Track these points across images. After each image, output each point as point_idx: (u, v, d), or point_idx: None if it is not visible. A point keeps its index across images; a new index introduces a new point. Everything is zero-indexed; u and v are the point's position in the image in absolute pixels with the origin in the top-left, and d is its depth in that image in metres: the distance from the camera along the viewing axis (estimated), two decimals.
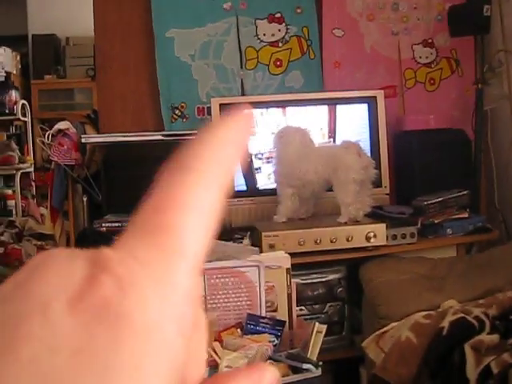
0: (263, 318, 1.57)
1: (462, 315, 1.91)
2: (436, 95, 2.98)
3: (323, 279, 2.37)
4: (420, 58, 2.98)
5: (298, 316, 2.31)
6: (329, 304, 2.39)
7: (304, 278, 2.34)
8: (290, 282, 1.56)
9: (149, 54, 2.78)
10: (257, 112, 2.59)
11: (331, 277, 2.37)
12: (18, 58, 5.53)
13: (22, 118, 5.06)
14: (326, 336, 2.36)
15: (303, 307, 2.36)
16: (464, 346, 1.75)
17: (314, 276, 2.36)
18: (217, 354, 1.38)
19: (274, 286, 1.56)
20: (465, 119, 2.85)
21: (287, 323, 1.59)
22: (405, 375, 1.82)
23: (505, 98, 2.81)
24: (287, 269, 1.56)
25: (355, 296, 2.38)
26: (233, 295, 1.56)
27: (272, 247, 2.20)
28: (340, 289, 2.38)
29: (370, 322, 2.27)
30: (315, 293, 2.37)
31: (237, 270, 1.52)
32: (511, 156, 2.80)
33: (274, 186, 2.46)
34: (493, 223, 2.67)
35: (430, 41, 2.99)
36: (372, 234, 2.23)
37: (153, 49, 2.76)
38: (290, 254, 2.20)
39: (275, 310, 1.59)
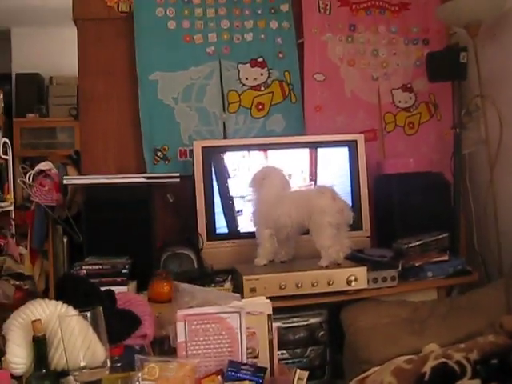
0: (244, 364, 1.55)
1: (444, 360, 1.90)
2: (415, 139, 3.04)
3: (304, 323, 2.36)
4: (399, 102, 3.05)
5: (279, 360, 2.30)
6: (310, 348, 2.38)
7: (285, 321, 2.33)
8: (272, 328, 1.55)
9: (132, 96, 2.81)
10: (238, 155, 2.62)
11: (312, 320, 2.36)
12: (1, 96, 5.52)
13: (4, 156, 5.02)
14: (308, 380, 2.37)
15: (284, 351, 2.34)
16: None
17: (296, 320, 2.35)
18: None
19: (255, 332, 1.54)
20: (443, 163, 2.90)
21: (268, 370, 1.57)
22: None
23: (482, 142, 2.86)
24: (268, 315, 1.55)
25: (337, 339, 2.36)
26: (214, 341, 1.54)
27: (253, 291, 2.19)
28: (321, 332, 2.37)
29: (351, 366, 2.25)
30: (296, 337, 2.36)
31: (218, 316, 1.51)
32: (489, 199, 2.84)
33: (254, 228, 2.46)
34: (472, 265, 2.69)
35: (408, 86, 3.06)
36: (353, 278, 2.23)
37: (136, 90, 2.79)
38: (271, 297, 2.19)
39: (256, 357, 1.56)
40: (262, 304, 1.58)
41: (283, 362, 2.22)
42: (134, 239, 2.38)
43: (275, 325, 2.10)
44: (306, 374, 1.51)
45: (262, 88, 2.93)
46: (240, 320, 1.53)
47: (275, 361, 1.59)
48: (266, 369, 1.55)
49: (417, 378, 1.85)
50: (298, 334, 2.36)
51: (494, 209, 2.82)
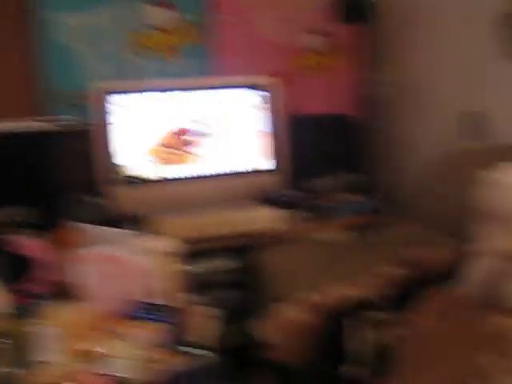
0: (155, 305, 1.52)
1: (353, 293, 1.97)
2: (326, 81, 3.04)
3: (223, 266, 2.35)
4: (312, 45, 3.03)
5: (197, 304, 2.30)
6: (228, 291, 2.38)
7: (202, 265, 2.32)
8: (181, 268, 1.53)
9: (25, 36, 2.61)
10: (145, 97, 2.52)
11: (231, 264, 2.36)
12: None
13: None
14: (227, 324, 2.38)
15: (203, 295, 2.33)
16: (351, 322, 1.80)
17: (214, 263, 2.34)
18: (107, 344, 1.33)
19: (162, 271, 1.52)
20: (354, 104, 2.93)
21: (180, 310, 1.56)
22: (297, 353, 1.86)
23: (388, 84, 2.90)
24: (176, 253, 1.52)
25: (255, 282, 2.38)
26: (119, 283, 1.50)
27: (169, 234, 2.15)
28: (239, 275, 2.37)
29: (267, 306, 2.27)
30: (214, 280, 2.35)
31: (123, 257, 1.47)
32: (395, 140, 2.91)
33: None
34: (382, 205, 2.75)
35: (320, 28, 3.04)
36: (267, 219, 2.24)
37: (30, 31, 2.60)
38: (187, 240, 2.18)
39: (167, 298, 1.55)
40: (169, 243, 1.54)
41: (202, 306, 2.21)
42: (37, 188, 2.27)
43: (192, 269, 2.10)
44: (217, 311, 1.50)
45: (170, 29, 2.82)
46: (150, 260, 1.49)
47: (186, 301, 1.57)
48: (177, 309, 1.53)
49: (327, 310, 1.91)
50: (215, 277, 2.36)
51: (400, 149, 2.90)
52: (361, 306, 1.87)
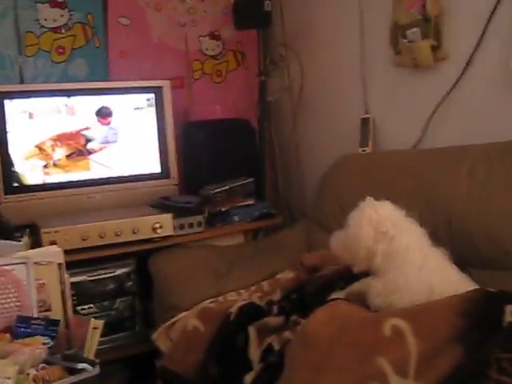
0: (35, 318, 1.46)
1: (251, 300, 1.95)
2: (223, 87, 3.05)
3: (111, 274, 2.30)
4: (207, 50, 3.03)
5: (86, 315, 2.22)
6: (119, 299, 2.33)
7: (91, 274, 2.26)
8: (63, 278, 1.47)
9: None
10: (38, 101, 2.42)
11: (119, 271, 2.31)
12: None
13: None
14: (118, 332, 2.32)
15: (92, 305, 2.27)
16: (248, 329, 1.78)
17: (102, 272, 2.28)
18: None
19: (45, 283, 1.45)
20: (250, 110, 2.96)
21: (63, 322, 1.50)
22: (191, 363, 1.81)
23: (285, 90, 2.95)
24: (59, 264, 1.47)
25: (146, 289, 2.34)
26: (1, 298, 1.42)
27: (54, 244, 2.07)
28: (130, 283, 2.33)
29: (160, 314, 2.24)
30: (104, 289, 2.29)
31: (2, 268, 1.39)
32: (292, 145, 2.96)
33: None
34: (278, 209, 2.79)
35: (216, 33, 3.04)
36: (158, 225, 2.21)
37: None
38: (74, 250, 2.11)
39: (49, 310, 1.48)
40: (51, 253, 1.48)
41: (91, 316, 2.14)
42: None
43: (80, 278, 2.03)
44: (100, 322, 1.46)
45: (63, 30, 2.72)
46: (27, 271, 1.42)
47: (69, 312, 1.51)
48: (58, 321, 1.47)
49: (223, 318, 1.88)
50: (105, 286, 2.30)
51: (296, 154, 2.95)
52: (259, 312, 1.86)
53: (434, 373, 1.12)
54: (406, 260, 1.49)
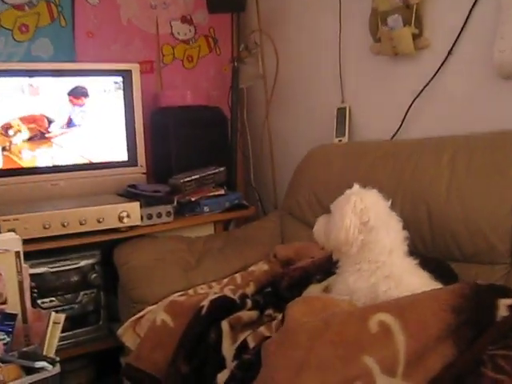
0: None
1: (224, 294, 1.86)
2: (194, 72, 2.95)
3: (75, 266, 2.18)
4: (178, 34, 2.92)
5: (47, 308, 2.10)
6: (83, 292, 2.21)
7: (53, 265, 2.14)
8: (21, 268, 1.35)
9: None
10: None
11: (83, 262, 2.19)
12: None
13: None
14: (82, 327, 2.21)
15: (54, 298, 2.15)
16: (221, 324, 1.69)
17: (64, 263, 2.16)
18: None
19: (0, 273, 1.34)
20: (222, 97, 2.86)
21: (20, 316, 1.38)
22: (160, 361, 1.71)
23: (259, 77, 2.86)
24: (16, 252, 1.35)
25: (111, 281, 2.22)
26: None
27: (13, 231, 1.94)
28: (94, 275, 2.21)
29: (126, 307, 2.13)
30: (66, 281, 2.17)
31: None
32: (265, 134, 2.88)
33: None
34: (249, 200, 2.71)
35: (188, 17, 2.94)
36: (125, 214, 2.09)
37: None
38: (35, 239, 1.98)
39: (4, 303, 1.37)
40: (7, 240, 1.36)
41: (53, 309, 2.02)
42: None
43: (41, 270, 1.91)
44: (62, 316, 1.35)
45: (26, 8, 2.58)
46: None
47: (28, 305, 1.40)
48: (15, 315, 1.36)
49: (194, 312, 1.77)
50: (68, 278, 2.18)
51: (269, 144, 2.87)
52: (232, 306, 1.76)
53: (425, 371, 1.05)
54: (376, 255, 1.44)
